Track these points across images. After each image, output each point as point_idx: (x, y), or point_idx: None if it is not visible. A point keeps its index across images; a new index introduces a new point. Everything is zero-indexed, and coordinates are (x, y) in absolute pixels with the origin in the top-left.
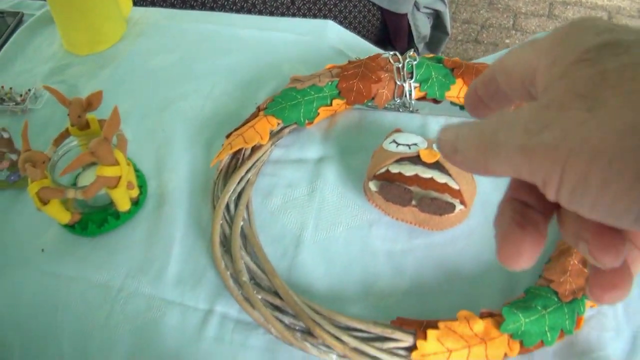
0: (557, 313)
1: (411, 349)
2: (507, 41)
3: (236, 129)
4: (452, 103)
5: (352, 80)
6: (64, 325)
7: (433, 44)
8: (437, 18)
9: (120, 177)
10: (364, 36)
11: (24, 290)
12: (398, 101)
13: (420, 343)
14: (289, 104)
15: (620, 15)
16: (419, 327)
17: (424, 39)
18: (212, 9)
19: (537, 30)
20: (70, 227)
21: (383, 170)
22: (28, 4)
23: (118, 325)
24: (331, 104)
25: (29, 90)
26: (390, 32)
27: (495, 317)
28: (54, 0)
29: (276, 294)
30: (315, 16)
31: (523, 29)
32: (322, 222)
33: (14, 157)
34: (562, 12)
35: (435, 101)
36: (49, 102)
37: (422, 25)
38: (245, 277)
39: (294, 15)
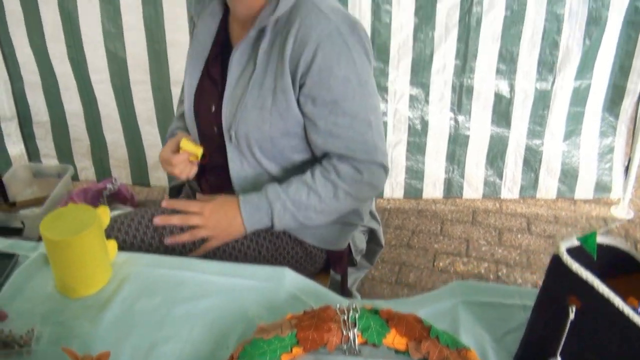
0: None
1: None
2: (436, 246)
3: None
4: (388, 348)
5: (308, 331)
6: None
7: (369, 255)
8: (371, 233)
9: None
10: (310, 266)
11: None
12: (345, 346)
13: None
14: (257, 352)
15: (538, 221)
16: None
17: (360, 252)
18: (181, 252)
19: (463, 235)
20: None
21: None
22: (22, 245)
23: None
24: (291, 351)
25: (29, 331)
26: (331, 261)
27: None
28: (52, 251)
29: None
30: (267, 257)
31: (450, 234)
32: None
33: None
34: (485, 219)
35: (375, 345)
36: (49, 342)
37: (359, 242)
38: None
39: (252, 255)
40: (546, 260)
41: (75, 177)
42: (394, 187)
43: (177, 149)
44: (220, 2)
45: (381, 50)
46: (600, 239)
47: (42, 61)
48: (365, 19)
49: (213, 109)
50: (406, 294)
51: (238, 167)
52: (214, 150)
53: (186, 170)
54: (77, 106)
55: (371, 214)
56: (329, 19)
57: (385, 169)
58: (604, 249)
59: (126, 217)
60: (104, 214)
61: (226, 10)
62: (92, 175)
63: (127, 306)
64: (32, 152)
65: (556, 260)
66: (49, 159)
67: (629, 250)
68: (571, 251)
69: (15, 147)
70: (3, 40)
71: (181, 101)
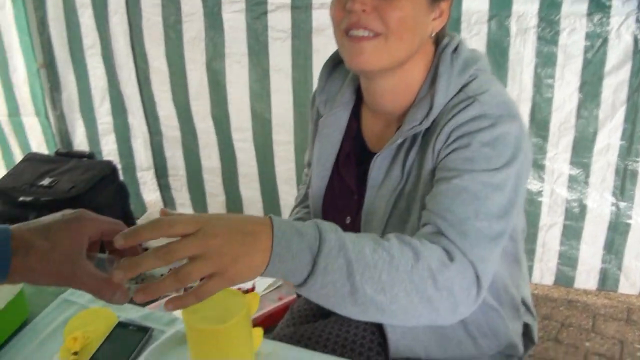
0: None
1: None
2: (587, 344)
3: None
4: None
5: None
6: None
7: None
8: (525, 327)
9: None
10: None
11: None
12: None
13: None
14: None
15: None
16: None
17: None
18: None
19: (616, 335)
20: None
21: None
22: (157, 317)
23: None
24: None
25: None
26: None
27: None
28: (193, 337)
29: None
30: None
31: (602, 332)
32: None
33: None
34: None
35: None
36: None
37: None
38: None
39: None
40: None
41: None
42: (543, 272)
43: None
44: (352, 90)
45: (541, 127)
46: None
47: (184, 117)
48: (526, 92)
49: (348, 220)
50: None
51: None
52: None
53: None
54: (215, 162)
55: (526, 305)
56: (485, 114)
57: (478, 284)
58: None
59: None
60: (254, 300)
61: (358, 95)
62: None
63: None
64: (168, 201)
65: None
66: (185, 209)
67: None
68: None
69: (151, 195)
70: (145, 95)
71: (304, 183)
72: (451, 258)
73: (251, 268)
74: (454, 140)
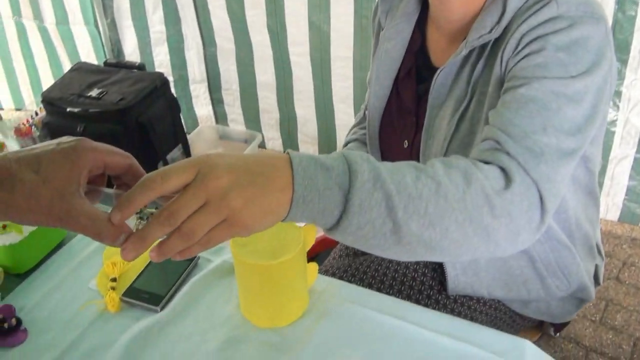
0: None
1: None
2: None
3: None
4: None
5: None
6: None
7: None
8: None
9: None
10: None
11: None
12: None
13: None
14: None
15: None
16: None
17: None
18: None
19: None
20: None
21: None
22: None
23: None
24: None
25: None
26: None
27: None
28: (242, 271)
29: None
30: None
31: None
32: None
33: None
34: None
35: None
36: None
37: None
38: None
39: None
40: None
41: (262, 146)
42: (609, 207)
43: None
44: None
45: (620, 48)
46: None
47: (239, 28)
48: (607, 8)
49: (406, 144)
50: (611, 338)
51: None
52: None
53: None
54: (270, 78)
55: (597, 244)
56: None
57: (542, 207)
58: None
59: None
60: (310, 233)
61: (423, 6)
62: (279, 146)
63: (323, 354)
64: (220, 116)
65: None
66: (237, 125)
67: None
68: None
69: (203, 109)
70: (199, 3)
71: (366, 103)
72: (510, 178)
73: (268, 212)
74: (525, 46)
